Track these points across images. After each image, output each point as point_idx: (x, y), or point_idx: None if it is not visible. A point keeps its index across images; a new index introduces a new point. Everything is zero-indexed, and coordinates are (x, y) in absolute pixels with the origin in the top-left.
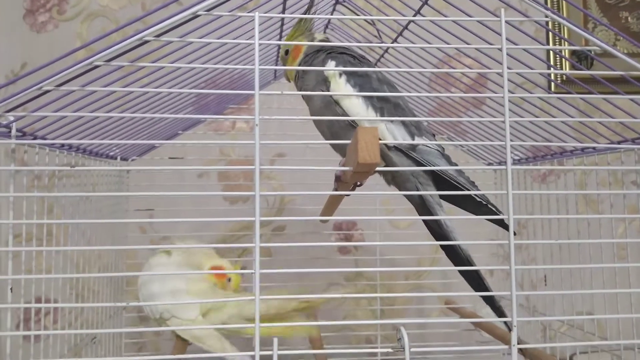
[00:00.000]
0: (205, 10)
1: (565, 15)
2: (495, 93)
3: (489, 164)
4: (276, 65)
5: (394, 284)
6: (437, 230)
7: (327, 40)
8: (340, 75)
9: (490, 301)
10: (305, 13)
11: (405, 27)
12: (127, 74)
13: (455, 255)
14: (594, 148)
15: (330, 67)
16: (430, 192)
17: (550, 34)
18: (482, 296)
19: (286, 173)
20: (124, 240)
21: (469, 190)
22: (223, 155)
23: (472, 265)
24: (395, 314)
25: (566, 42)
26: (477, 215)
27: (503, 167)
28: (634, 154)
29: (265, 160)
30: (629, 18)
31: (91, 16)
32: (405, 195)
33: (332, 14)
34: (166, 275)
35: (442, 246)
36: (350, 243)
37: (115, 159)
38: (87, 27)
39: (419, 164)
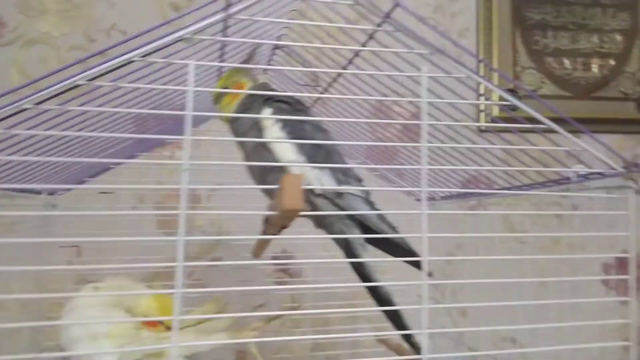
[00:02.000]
0: (141, 57)
1: (497, 57)
2: (431, 135)
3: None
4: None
5: (328, 316)
6: (360, 272)
7: (266, 85)
8: (275, 122)
9: (408, 339)
10: (246, 61)
11: (335, 80)
12: (56, 115)
13: (376, 294)
14: (519, 187)
15: (266, 115)
16: (353, 236)
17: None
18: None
19: (224, 202)
20: (49, 277)
21: (389, 234)
22: (160, 185)
23: (392, 304)
24: (329, 346)
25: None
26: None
27: (418, 211)
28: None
29: (204, 189)
30: (553, 63)
31: (30, 42)
32: (333, 239)
33: (270, 58)
34: (87, 316)
35: (366, 286)
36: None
37: (40, 194)
38: (26, 54)
39: (344, 210)
